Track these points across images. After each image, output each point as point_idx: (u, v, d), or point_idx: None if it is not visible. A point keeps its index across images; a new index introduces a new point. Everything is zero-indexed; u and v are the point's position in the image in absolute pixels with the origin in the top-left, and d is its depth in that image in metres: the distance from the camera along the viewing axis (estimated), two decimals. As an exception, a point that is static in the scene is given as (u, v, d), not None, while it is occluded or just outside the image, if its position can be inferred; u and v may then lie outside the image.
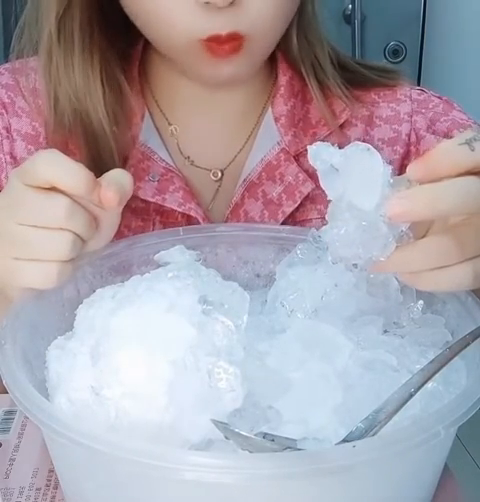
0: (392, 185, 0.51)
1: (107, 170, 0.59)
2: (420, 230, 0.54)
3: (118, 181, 0.57)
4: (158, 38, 0.74)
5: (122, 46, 0.80)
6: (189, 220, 0.79)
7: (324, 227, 0.54)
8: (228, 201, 0.81)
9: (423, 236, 0.53)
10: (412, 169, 0.49)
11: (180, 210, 0.78)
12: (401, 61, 2.05)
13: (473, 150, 0.48)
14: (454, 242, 0.50)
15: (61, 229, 0.56)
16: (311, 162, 0.54)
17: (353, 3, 2.00)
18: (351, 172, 0.52)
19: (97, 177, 0.56)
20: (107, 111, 0.76)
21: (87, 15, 0.75)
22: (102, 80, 0.77)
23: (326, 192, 0.54)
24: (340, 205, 0.53)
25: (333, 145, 0.54)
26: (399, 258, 0.52)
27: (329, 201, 0.54)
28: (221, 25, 0.68)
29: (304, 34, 0.81)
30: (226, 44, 0.69)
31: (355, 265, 0.55)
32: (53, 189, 0.55)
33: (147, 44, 0.82)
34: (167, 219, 0.79)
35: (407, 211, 0.48)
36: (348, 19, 2.00)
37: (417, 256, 0.51)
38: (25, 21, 0.77)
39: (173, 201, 0.78)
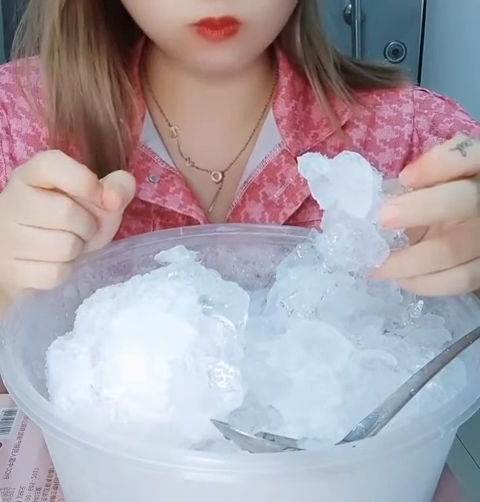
0: (385, 190, 0.51)
1: (109, 168, 0.59)
2: (415, 235, 0.54)
3: (120, 183, 0.57)
4: (151, 26, 0.73)
5: (123, 45, 0.80)
6: (190, 222, 0.78)
7: (318, 236, 0.55)
8: (229, 203, 0.81)
9: (419, 241, 0.53)
10: (405, 175, 0.49)
11: (181, 212, 0.78)
12: (401, 61, 2.05)
13: (464, 155, 0.48)
14: (449, 246, 0.50)
15: (62, 230, 0.56)
16: (301, 173, 0.55)
17: (353, 3, 1.99)
18: (342, 181, 0.53)
19: (99, 176, 0.56)
20: (114, 103, 0.76)
21: (91, 8, 0.75)
22: (109, 72, 0.77)
23: (318, 202, 0.54)
24: (333, 214, 0.53)
25: (323, 155, 0.54)
26: (394, 264, 0.52)
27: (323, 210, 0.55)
28: (214, 9, 0.67)
29: (307, 35, 0.81)
30: (221, 29, 0.68)
31: (351, 273, 0.55)
32: (55, 190, 0.55)
33: (147, 44, 0.82)
34: (167, 221, 0.79)
35: (399, 218, 0.48)
36: (348, 19, 2.00)
37: (412, 261, 0.51)
38: (27, 18, 0.77)
39: (174, 203, 0.78)
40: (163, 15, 0.70)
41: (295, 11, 0.77)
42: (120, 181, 0.58)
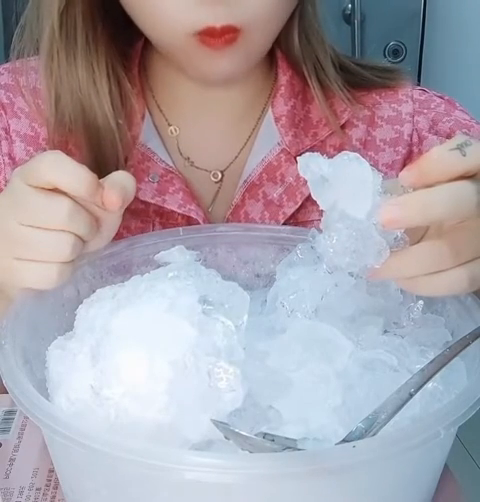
0: (385, 191, 0.51)
1: (108, 168, 0.59)
2: (415, 235, 0.54)
3: (121, 184, 0.57)
4: (154, 33, 0.74)
5: (122, 45, 0.80)
6: (189, 222, 0.78)
7: (317, 237, 0.55)
8: (228, 202, 0.81)
9: (418, 241, 0.53)
10: (404, 175, 0.49)
11: (180, 212, 0.78)
12: (401, 61, 2.05)
13: (464, 155, 0.48)
14: (448, 247, 0.50)
15: (62, 230, 0.56)
16: (301, 173, 0.55)
17: (353, 3, 2.00)
18: (341, 182, 0.53)
19: (98, 176, 0.56)
20: (113, 104, 0.76)
21: (89, 10, 0.75)
22: (108, 74, 0.77)
23: (318, 202, 0.54)
24: (332, 215, 0.53)
25: (322, 154, 0.54)
26: (394, 264, 0.52)
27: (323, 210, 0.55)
28: (215, 18, 0.68)
29: (305, 35, 0.81)
30: (221, 37, 0.69)
31: (351, 273, 0.55)
32: (55, 190, 0.55)
33: (146, 44, 0.82)
34: (167, 221, 0.79)
35: (399, 218, 0.48)
36: (348, 19, 2.00)
37: (412, 262, 0.51)
38: (26, 19, 0.77)
39: (173, 202, 0.78)
40: (165, 24, 0.70)
41: (293, 11, 0.77)
42: (121, 181, 0.58)
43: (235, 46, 0.70)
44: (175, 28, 0.70)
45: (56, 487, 0.59)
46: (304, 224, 0.80)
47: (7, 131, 0.81)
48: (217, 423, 0.46)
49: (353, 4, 2.00)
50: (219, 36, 0.69)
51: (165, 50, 0.76)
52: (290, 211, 0.80)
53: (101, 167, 0.73)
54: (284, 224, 0.79)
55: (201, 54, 0.71)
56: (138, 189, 0.77)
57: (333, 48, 0.83)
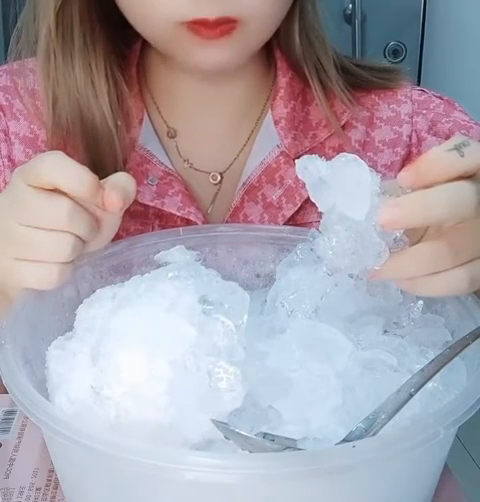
0: (384, 192, 0.51)
1: (106, 170, 0.59)
2: (415, 236, 0.54)
3: (122, 185, 0.57)
4: (143, 23, 0.73)
5: (119, 46, 0.80)
6: (188, 224, 0.78)
7: (317, 239, 0.55)
8: (228, 205, 0.81)
9: (418, 241, 0.53)
10: (403, 176, 0.49)
11: (179, 214, 0.78)
12: (401, 61, 2.05)
13: (462, 155, 0.48)
14: (448, 247, 0.50)
15: (62, 231, 0.56)
16: (299, 176, 0.55)
17: (353, 3, 1.99)
18: (340, 183, 0.53)
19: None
20: (111, 105, 0.76)
21: (86, 9, 0.75)
22: (106, 75, 0.76)
23: (317, 205, 0.54)
24: (331, 217, 0.53)
25: (320, 157, 0.54)
26: (393, 265, 0.52)
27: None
28: (210, 10, 0.67)
29: (306, 34, 0.81)
30: (216, 28, 0.68)
31: (350, 275, 0.55)
32: (56, 190, 0.55)
33: (145, 45, 0.81)
34: (166, 223, 0.79)
35: (398, 219, 0.49)
36: (348, 19, 2.00)
37: (411, 262, 0.51)
38: (23, 21, 0.77)
39: (172, 205, 0.78)
40: (154, 12, 0.69)
41: (293, 10, 0.77)
42: (121, 182, 0.58)
43: (231, 36, 0.69)
44: (164, 16, 0.69)
45: (56, 487, 0.59)
46: (303, 226, 0.80)
47: (6, 133, 0.81)
48: (217, 423, 0.46)
49: (354, 4, 2.00)
50: (214, 27, 0.68)
51: (155, 42, 0.75)
52: (289, 213, 0.80)
53: (99, 170, 0.73)
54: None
55: (192, 44, 0.70)
56: (137, 192, 0.76)
57: (334, 49, 0.83)
